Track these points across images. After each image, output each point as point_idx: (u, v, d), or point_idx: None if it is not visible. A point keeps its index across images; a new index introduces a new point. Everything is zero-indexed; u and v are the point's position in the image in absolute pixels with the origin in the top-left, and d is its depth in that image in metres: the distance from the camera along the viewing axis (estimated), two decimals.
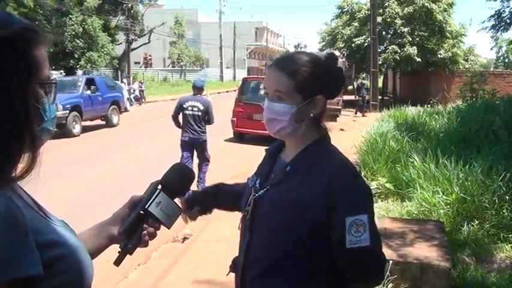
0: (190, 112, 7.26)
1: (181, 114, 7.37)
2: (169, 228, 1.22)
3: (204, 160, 7.49)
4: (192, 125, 7.24)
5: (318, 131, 1.50)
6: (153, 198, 1.18)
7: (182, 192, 1.25)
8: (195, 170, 6.52)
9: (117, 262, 1.17)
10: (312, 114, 1.46)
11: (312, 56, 1.50)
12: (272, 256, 1.44)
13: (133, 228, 1.16)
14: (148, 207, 1.17)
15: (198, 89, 7.55)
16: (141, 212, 1.17)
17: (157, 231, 1.20)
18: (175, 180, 1.25)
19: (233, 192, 1.74)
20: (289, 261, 1.42)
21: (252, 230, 1.50)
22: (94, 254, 1.12)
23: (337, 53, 22.72)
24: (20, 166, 0.87)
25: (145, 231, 1.17)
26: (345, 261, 1.39)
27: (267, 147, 1.67)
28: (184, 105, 7.31)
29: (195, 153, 7.41)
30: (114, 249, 1.21)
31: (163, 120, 17.91)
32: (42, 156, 0.90)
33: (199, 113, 7.27)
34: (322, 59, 1.50)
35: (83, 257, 0.92)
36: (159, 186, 1.21)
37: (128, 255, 1.17)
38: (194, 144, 7.32)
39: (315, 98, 1.45)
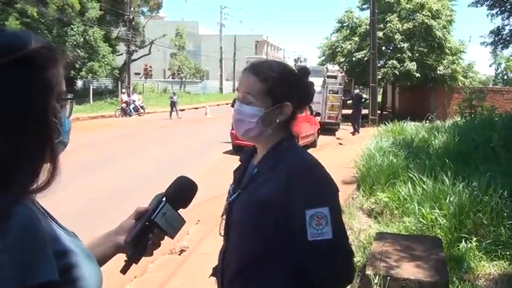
0: None
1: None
2: (172, 238, 1.29)
3: None
4: None
5: (284, 134, 1.54)
6: (159, 209, 1.24)
7: (186, 204, 1.30)
8: None
9: (124, 270, 1.23)
10: (278, 120, 1.50)
11: (284, 64, 1.60)
12: (242, 259, 1.48)
13: (140, 238, 1.23)
14: (154, 218, 1.23)
15: None
16: (147, 222, 1.23)
17: (161, 242, 1.26)
18: (180, 192, 1.31)
19: None
20: (257, 263, 1.44)
21: (227, 235, 1.56)
22: (101, 262, 1.18)
23: (336, 67, 22.79)
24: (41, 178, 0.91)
25: (150, 241, 1.24)
26: (309, 257, 1.36)
27: (242, 154, 1.73)
28: None
29: None
30: (111, 261, 1.26)
31: (163, 132, 18.04)
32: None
33: None
34: (295, 70, 1.58)
35: (94, 266, 0.98)
36: (164, 198, 1.27)
37: (134, 264, 1.24)
38: None
39: (283, 104, 1.50)
